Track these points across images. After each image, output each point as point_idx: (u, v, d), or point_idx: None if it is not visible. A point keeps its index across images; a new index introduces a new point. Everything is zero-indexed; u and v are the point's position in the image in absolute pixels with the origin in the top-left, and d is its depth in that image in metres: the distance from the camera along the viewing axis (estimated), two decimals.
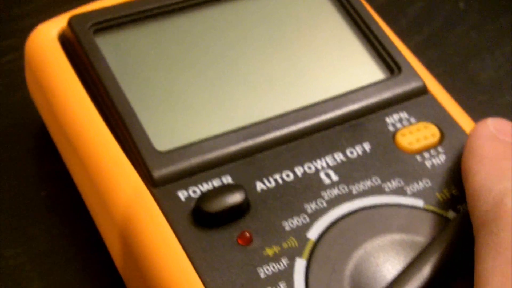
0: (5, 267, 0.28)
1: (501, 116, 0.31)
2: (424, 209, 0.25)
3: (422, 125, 0.27)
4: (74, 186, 0.29)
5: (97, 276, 0.28)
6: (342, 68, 0.29)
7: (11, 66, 0.34)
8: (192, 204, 0.24)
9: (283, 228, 0.24)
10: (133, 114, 0.26)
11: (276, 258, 0.23)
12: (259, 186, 0.25)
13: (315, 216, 0.25)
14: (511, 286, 0.19)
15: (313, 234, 0.24)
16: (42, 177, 0.31)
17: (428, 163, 0.26)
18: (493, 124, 0.25)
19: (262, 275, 0.23)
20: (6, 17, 0.36)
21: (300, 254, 0.24)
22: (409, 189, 0.26)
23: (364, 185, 0.26)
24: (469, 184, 0.23)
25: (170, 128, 0.26)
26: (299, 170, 0.26)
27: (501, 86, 0.35)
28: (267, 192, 0.25)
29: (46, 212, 0.30)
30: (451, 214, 0.25)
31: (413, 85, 0.28)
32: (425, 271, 0.23)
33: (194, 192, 0.25)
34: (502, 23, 0.38)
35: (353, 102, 0.28)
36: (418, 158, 0.26)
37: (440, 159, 0.27)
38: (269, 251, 0.24)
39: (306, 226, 0.24)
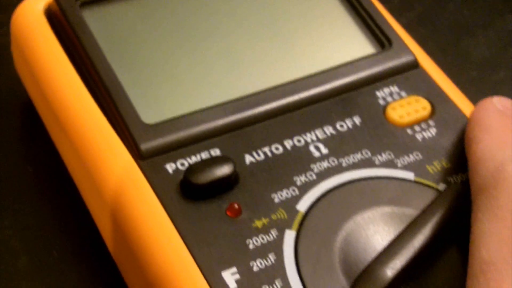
0: None
1: (493, 93, 0.31)
2: (415, 182, 0.25)
3: (412, 98, 0.27)
4: (62, 162, 0.28)
5: (85, 250, 0.28)
6: (332, 42, 0.29)
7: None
8: (180, 177, 0.24)
9: (272, 200, 0.24)
10: (120, 88, 0.26)
11: (265, 230, 0.23)
12: (248, 159, 0.25)
13: (305, 188, 0.24)
14: (507, 249, 0.19)
15: (302, 206, 0.24)
16: (29, 153, 0.30)
17: (418, 136, 0.26)
18: (499, 101, 0.25)
19: (251, 247, 0.23)
20: None
21: (289, 226, 0.23)
22: (399, 162, 0.25)
23: (354, 158, 0.25)
24: (472, 152, 0.23)
25: (158, 101, 0.26)
26: (288, 143, 0.26)
27: (493, 63, 0.35)
28: (256, 165, 0.25)
29: (33, 188, 0.29)
30: (441, 187, 0.25)
31: (403, 59, 0.28)
32: (415, 242, 0.23)
33: (182, 164, 0.24)
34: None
35: (344, 76, 0.27)
36: (409, 131, 0.26)
37: (431, 132, 0.26)
38: (258, 223, 0.23)
39: (296, 198, 0.24)
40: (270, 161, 0.25)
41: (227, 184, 0.24)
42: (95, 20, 0.28)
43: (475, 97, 0.28)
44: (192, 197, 0.24)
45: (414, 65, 0.28)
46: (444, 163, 0.25)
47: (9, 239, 0.28)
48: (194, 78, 0.27)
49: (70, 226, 0.28)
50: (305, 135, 0.26)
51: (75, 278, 0.27)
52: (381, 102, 0.27)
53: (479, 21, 0.37)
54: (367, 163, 0.25)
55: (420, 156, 0.26)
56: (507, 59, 0.35)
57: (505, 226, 0.20)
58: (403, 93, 0.27)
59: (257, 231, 0.23)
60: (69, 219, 0.28)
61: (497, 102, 0.24)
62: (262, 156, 0.25)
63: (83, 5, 0.28)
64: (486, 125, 0.23)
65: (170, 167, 0.24)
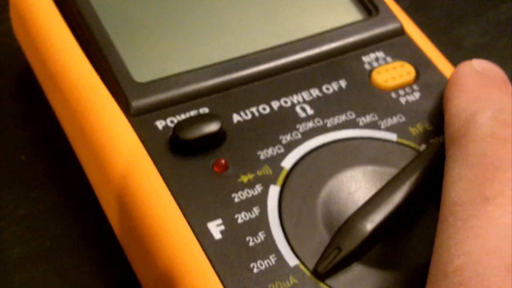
0: None
1: None
2: (397, 143, 0.26)
3: (398, 63, 0.28)
4: (60, 126, 0.29)
5: (80, 230, 0.28)
6: (320, 8, 0.29)
7: None
8: (170, 133, 0.25)
9: (258, 157, 0.25)
10: (112, 47, 0.26)
11: (250, 185, 0.24)
12: (236, 118, 0.26)
13: (290, 146, 0.25)
14: (474, 191, 0.20)
15: (287, 163, 0.25)
16: (27, 119, 0.31)
17: (402, 100, 0.27)
18: (477, 63, 0.25)
19: (236, 200, 0.24)
20: None
21: (274, 182, 0.24)
22: (383, 124, 0.26)
23: (338, 119, 0.26)
24: (447, 109, 0.24)
25: (149, 61, 0.27)
26: (275, 104, 0.26)
27: (485, 51, 0.36)
28: (243, 123, 0.26)
29: (32, 155, 0.30)
30: (423, 148, 0.26)
31: (390, 26, 0.29)
32: (395, 198, 0.23)
33: (172, 122, 0.25)
34: None
35: (331, 41, 0.28)
36: (393, 95, 0.27)
37: (414, 96, 0.27)
38: (244, 178, 0.24)
39: (281, 156, 0.25)
40: (257, 121, 0.26)
41: (215, 140, 0.25)
42: None
43: None
44: (181, 152, 0.24)
45: (400, 32, 0.29)
46: (426, 126, 0.26)
47: (10, 214, 0.29)
48: (185, 40, 0.28)
49: (66, 184, 0.29)
50: (292, 96, 0.27)
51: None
52: (367, 66, 0.28)
53: (471, 10, 0.37)
54: (351, 124, 0.26)
55: (403, 119, 0.26)
56: (499, 48, 0.36)
57: (473, 171, 0.20)
58: (388, 59, 0.28)
59: (243, 186, 0.24)
60: (65, 178, 0.29)
61: (475, 64, 0.25)
62: (250, 116, 0.26)
63: None
64: (462, 84, 0.24)
65: (160, 124, 0.25)
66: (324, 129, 0.26)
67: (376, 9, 0.29)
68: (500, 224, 0.19)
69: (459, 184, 0.20)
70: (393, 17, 0.29)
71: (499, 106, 0.22)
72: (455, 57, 0.33)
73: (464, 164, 0.21)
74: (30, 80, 0.31)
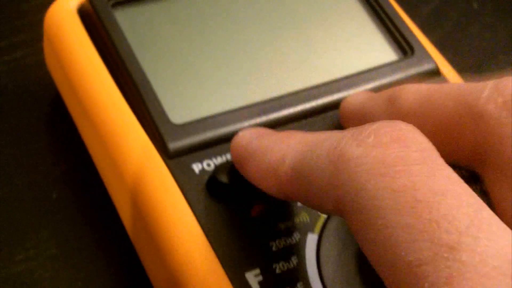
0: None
1: None
2: None
3: None
4: (90, 159, 0.29)
5: (110, 247, 0.28)
6: (356, 49, 0.29)
7: (25, 61, 0.34)
8: (206, 177, 0.25)
9: (296, 203, 0.25)
10: (149, 87, 0.26)
11: (288, 232, 0.24)
12: None
13: None
14: None
15: None
16: (58, 149, 0.31)
17: None
18: (248, 131, 0.24)
19: (274, 249, 0.23)
20: (14, 13, 0.36)
21: (311, 229, 0.24)
22: None
23: None
24: (255, 165, 0.23)
25: (186, 102, 0.27)
26: None
27: None
28: None
29: (61, 182, 0.30)
30: None
31: (425, 66, 0.29)
32: None
33: (208, 165, 0.25)
34: None
35: (367, 81, 0.28)
36: None
37: None
38: (282, 225, 0.24)
39: None
40: None
41: (252, 185, 0.25)
42: (126, 20, 0.28)
43: None
44: (218, 196, 0.24)
45: (436, 72, 0.29)
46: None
47: (42, 253, 0.28)
48: (221, 80, 0.27)
49: (97, 223, 0.29)
50: None
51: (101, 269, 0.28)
52: None
53: (501, 46, 0.37)
54: None
55: None
56: None
57: None
58: None
59: (280, 234, 0.24)
60: (96, 216, 0.29)
61: (246, 133, 0.24)
62: None
63: (115, 5, 0.28)
64: (250, 149, 0.23)
65: (196, 167, 0.25)
66: None
67: (412, 49, 0.29)
68: None
69: None
70: (428, 58, 0.29)
71: None
72: None
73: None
74: (61, 113, 0.31)
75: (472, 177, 0.24)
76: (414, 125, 0.19)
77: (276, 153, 0.21)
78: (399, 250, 0.16)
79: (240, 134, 0.24)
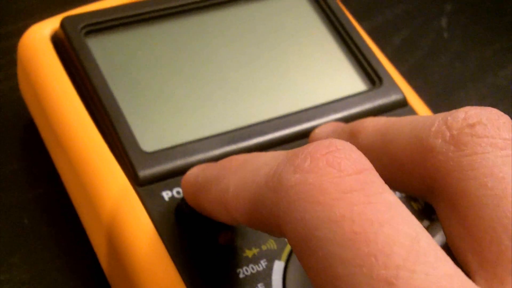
0: None
1: None
2: None
3: None
4: (62, 184, 0.29)
5: (81, 269, 0.29)
6: (326, 79, 0.30)
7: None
8: (175, 204, 0.25)
9: None
10: (121, 115, 0.27)
11: (255, 260, 0.24)
12: None
13: None
14: None
15: None
16: (30, 174, 0.31)
17: None
18: (195, 167, 0.24)
19: (241, 276, 0.24)
20: None
21: (278, 257, 0.24)
22: None
23: None
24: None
25: (157, 130, 0.27)
26: None
27: None
28: None
29: (33, 209, 0.30)
30: (425, 224, 0.26)
31: (393, 97, 0.29)
32: None
33: (178, 192, 0.25)
34: (486, 53, 0.39)
35: (335, 111, 0.28)
36: None
37: None
38: (249, 253, 0.24)
39: None
40: None
41: None
42: (99, 48, 0.29)
43: None
44: (186, 224, 0.25)
45: (403, 103, 0.29)
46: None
47: (13, 278, 0.29)
48: (192, 109, 0.28)
49: (69, 247, 0.29)
50: None
51: None
52: None
53: (470, 75, 0.38)
54: None
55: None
56: None
57: None
58: None
59: (248, 261, 0.24)
60: (67, 240, 0.29)
61: (193, 169, 0.24)
62: None
63: (88, 33, 0.29)
64: (198, 183, 0.23)
65: (166, 195, 0.25)
66: None
67: (380, 80, 0.29)
68: None
69: None
70: (396, 89, 0.29)
71: None
72: None
73: None
74: (34, 138, 0.31)
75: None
76: (373, 159, 0.19)
77: (220, 182, 0.21)
78: (338, 283, 0.16)
79: (188, 172, 0.24)
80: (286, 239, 0.24)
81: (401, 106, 0.29)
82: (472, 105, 0.35)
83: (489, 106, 0.35)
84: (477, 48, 0.39)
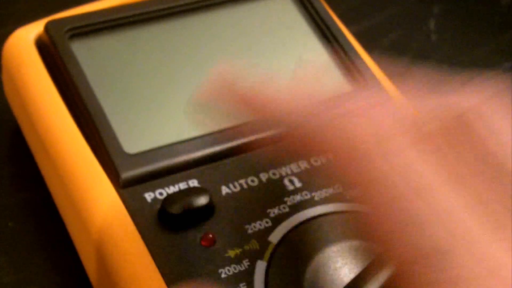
0: None
1: None
2: None
3: None
4: (46, 188, 0.29)
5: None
6: (311, 79, 0.30)
7: None
8: (158, 206, 0.25)
9: (246, 231, 0.25)
10: (104, 117, 0.27)
11: (237, 260, 0.24)
12: (225, 190, 0.26)
13: (277, 220, 0.25)
14: None
15: (274, 237, 0.25)
16: (16, 179, 0.31)
17: None
18: None
19: (223, 275, 0.24)
20: None
21: (261, 257, 0.24)
22: None
23: (326, 192, 0.26)
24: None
25: (140, 132, 0.27)
26: (264, 176, 0.27)
27: None
28: (232, 196, 0.26)
29: (19, 215, 0.30)
30: None
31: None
32: (380, 276, 0.23)
33: (161, 194, 0.25)
34: (474, 55, 0.39)
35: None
36: None
37: None
38: (231, 253, 0.24)
39: (268, 230, 0.25)
40: (246, 193, 0.26)
41: (203, 214, 0.25)
42: (83, 51, 0.29)
43: None
44: (169, 226, 0.25)
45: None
46: None
47: None
48: (175, 110, 0.28)
49: (53, 250, 0.29)
50: (280, 168, 0.27)
51: None
52: None
53: (458, 77, 0.38)
54: (339, 198, 0.26)
55: None
56: None
57: None
58: None
59: (230, 261, 0.24)
60: (52, 243, 0.29)
61: None
62: (238, 188, 0.26)
63: (72, 36, 0.29)
64: None
65: (149, 196, 0.25)
66: (311, 203, 0.26)
67: (365, 80, 0.29)
68: None
69: None
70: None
71: None
72: None
73: None
74: (19, 143, 0.31)
75: None
76: None
77: None
78: None
79: None
80: (269, 239, 0.25)
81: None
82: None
83: None
84: (466, 50, 0.39)
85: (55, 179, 0.28)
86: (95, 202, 0.26)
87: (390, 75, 0.32)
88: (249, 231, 0.25)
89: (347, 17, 0.35)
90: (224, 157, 0.27)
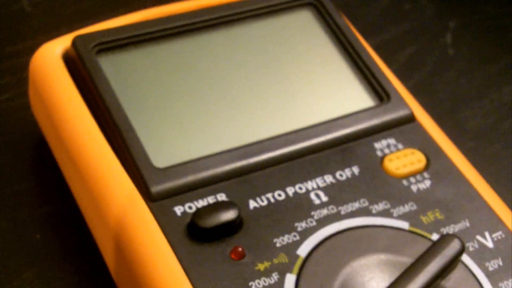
0: None
1: (490, 165, 0.32)
2: (409, 231, 0.26)
3: (409, 151, 0.29)
4: (74, 202, 0.29)
5: None
6: (334, 95, 0.30)
7: (11, 104, 0.35)
8: (188, 219, 0.25)
9: (274, 244, 0.25)
10: (132, 132, 0.27)
11: (267, 273, 0.25)
12: (252, 204, 0.26)
13: (305, 234, 0.26)
14: None
15: (302, 251, 0.25)
16: (42, 193, 0.32)
17: (414, 188, 0.28)
18: None
19: None
20: (0, 55, 0.36)
21: (290, 270, 0.25)
22: (395, 212, 0.27)
23: (352, 206, 0.27)
24: None
25: (168, 146, 0.27)
26: (290, 190, 0.27)
27: (489, 134, 0.36)
28: (259, 210, 0.26)
29: (46, 227, 0.30)
30: (435, 237, 0.26)
31: (401, 113, 0.30)
32: None
33: (190, 208, 0.26)
34: (491, 70, 0.39)
35: (344, 127, 0.29)
36: (405, 182, 0.28)
37: (425, 184, 0.28)
38: (261, 266, 0.25)
39: (296, 244, 0.25)
40: (273, 207, 0.26)
41: (232, 228, 0.25)
42: (110, 66, 0.29)
43: None
44: (199, 239, 0.25)
45: (411, 119, 0.30)
46: (437, 214, 0.27)
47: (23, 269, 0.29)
48: (203, 125, 0.28)
49: (81, 264, 0.29)
50: (306, 182, 0.27)
51: None
52: (379, 153, 0.28)
53: (475, 92, 0.38)
54: (365, 212, 0.27)
55: (415, 207, 0.27)
56: (503, 131, 0.36)
57: None
58: (399, 146, 0.29)
59: (260, 274, 0.24)
60: (80, 257, 0.30)
61: None
62: (266, 202, 0.26)
63: (100, 51, 0.29)
64: None
65: (178, 210, 0.26)
66: (338, 217, 0.26)
67: (388, 96, 0.30)
68: None
69: None
70: (404, 104, 0.30)
71: None
72: (460, 138, 0.34)
73: None
74: (45, 156, 0.31)
75: None
76: None
77: None
78: None
79: None
80: (297, 253, 0.25)
81: (408, 122, 0.30)
82: (476, 121, 0.36)
83: (493, 122, 0.36)
84: (482, 64, 0.40)
85: (84, 192, 0.28)
86: (126, 216, 0.26)
87: (408, 90, 0.32)
88: (278, 245, 0.25)
89: (364, 31, 0.36)
90: (251, 171, 0.27)
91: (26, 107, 0.33)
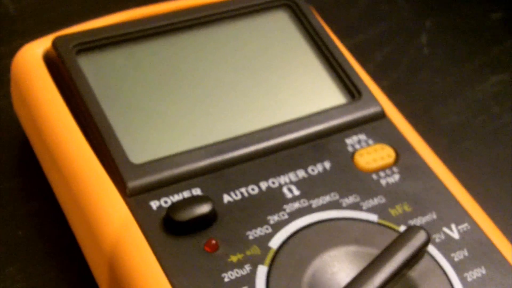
0: None
1: (461, 160, 0.33)
2: (378, 223, 0.27)
3: (379, 146, 0.29)
4: (55, 199, 0.30)
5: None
6: (307, 92, 0.31)
7: None
8: (163, 213, 0.26)
9: (247, 237, 0.26)
10: (110, 129, 0.28)
11: (239, 265, 0.25)
12: (226, 198, 0.27)
13: (277, 227, 0.27)
14: None
15: (274, 243, 0.26)
16: (25, 190, 0.32)
17: (383, 182, 0.28)
18: None
19: (226, 280, 0.25)
20: None
21: (262, 261, 0.26)
22: (364, 205, 0.28)
23: (323, 200, 0.28)
24: None
25: (145, 143, 0.28)
26: (263, 185, 0.28)
27: (462, 131, 0.37)
28: (233, 204, 0.27)
29: (28, 226, 0.31)
30: (402, 229, 0.27)
31: (372, 109, 0.30)
32: (376, 279, 0.25)
33: (166, 202, 0.27)
34: (465, 69, 0.40)
35: (316, 123, 0.30)
36: (374, 176, 0.29)
37: (394, 178, 0.29)
38: (234, 258, 0.26)
39: (269, 236, 0.26)
40: (247, 201, 0.27)
41: (206, 221, 0.26)
42: (90, 66, 0.30)
43: (446, 165, 0.30)
44: (174, 232, 0.26)
45: (381, 115, 0.30)
46: (405, 207, 0.28)
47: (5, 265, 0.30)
48: (179, 122, 0.29)
49: (63, 259, 0.30)
50: (279, 177, 0.28)
51: None
52: (350, 149, 0.29)
53: (449, 90, 0.39)
54: (335, 205, 0.27)
55: (384, 200, 0.28)
56: (475, 127, 0.37)
57: None
58: (370, 141, 0.30)
59: (232, 266, 0.25)
60: (61, 253, 0.30)
61: None
62: (239, 196, 0.27)
63: (79, 52, 0.30)
64: None
65: (154, 204, 0.27)
66: (309, 210, 0.27)
67: (359, 93, 0.31)
68: None
69: None
70: (374, 101, 0.31)
71: None
72: (433, 135, 0.35)
73: None
74: (28, 156, 0.32)
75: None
76: None
77: None
78: None
79: None
80: (269, 245, 0.26)
81: (379, 118, 0.30)
82: (450, 119, 0.37)
83: (466, 119, 0.37)
84: (457, 63, 0.41)
85: (64, 190, 0.29)
86: (103, 210, 0.27)
87: (385, 89, 0.33)
88: (250, 237, 0.26)
89: (341, 32, 0.37)
90: (226, 166, 0.28)
91: (10, 107, 0.34)
